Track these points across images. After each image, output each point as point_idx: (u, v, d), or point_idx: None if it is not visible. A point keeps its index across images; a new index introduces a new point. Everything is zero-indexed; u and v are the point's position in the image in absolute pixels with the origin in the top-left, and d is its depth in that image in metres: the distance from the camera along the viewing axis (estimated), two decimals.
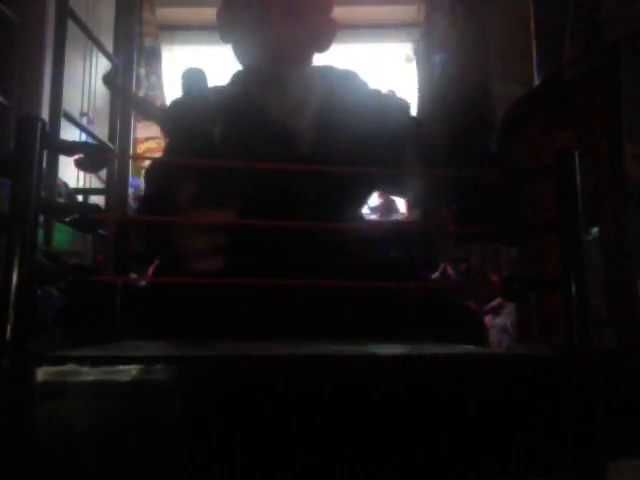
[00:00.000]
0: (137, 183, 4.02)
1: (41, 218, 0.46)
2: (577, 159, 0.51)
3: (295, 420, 0.47)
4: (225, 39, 1.16)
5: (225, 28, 1.15)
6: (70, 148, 0.46)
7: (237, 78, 1.18)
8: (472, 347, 0.71)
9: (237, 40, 1.12)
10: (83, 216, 0.44)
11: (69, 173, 2.92)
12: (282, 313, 0.79)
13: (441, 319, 0.88)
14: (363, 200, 1.13)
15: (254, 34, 1.07)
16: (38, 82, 2.78)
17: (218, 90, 1.15)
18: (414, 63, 5.33)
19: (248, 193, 0.89)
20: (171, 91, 4.82)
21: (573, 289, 0.49)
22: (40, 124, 0.44)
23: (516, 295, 0.52)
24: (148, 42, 4.67)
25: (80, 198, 2.99)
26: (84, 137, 3.20)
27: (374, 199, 4.04)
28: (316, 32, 1.14)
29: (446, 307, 0.94)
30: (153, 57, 4.73)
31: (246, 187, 0.87)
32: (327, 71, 1.19)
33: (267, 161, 0.57)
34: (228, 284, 0.56)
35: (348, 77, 1.18)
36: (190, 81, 1.11)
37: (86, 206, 0.45)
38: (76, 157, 0.46)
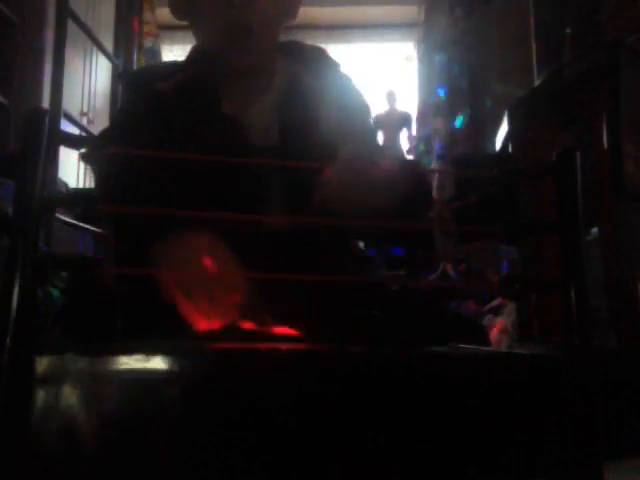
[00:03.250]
0: None
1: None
2: (578, 159, 0.51)
3: (297, 414, 0.47)
4: (180, 14, 1.03)
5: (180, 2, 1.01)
6: (75, 141, 0.46)
7: (195, 56, 1.04)
8: (471, 347, 0.71)
9: (196, 14, 0.99)
10: (87, 208, 0.44)
11: (69, 173, 2.92)
12: (277, 314, 0.78)
13: (447, 332, 0.86)
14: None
15: (217, 4, 0.94)
16: (38, 82, 2.78)
17: (167, 75, 1.03)
18: (414, 63, 5.34)
19: (210, 190, 0.86)
20: None
21: (572, 289, 0.49)
22: (48, 117, 0.43)
23: (515, 295, 0.52)
24: (148, 42, 4.67)
25: None
26: None
27: None
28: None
29: (453, 321, 0.92)
30: (153, 57, 4.73)
31: (208, 183, 0.85)
32: (294, 49, 1.07)
33: (225, 154, 0.56)
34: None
35: (318, 59, 1.06)
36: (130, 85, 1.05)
37: (90, 197, 0.45)
38: (81, 151, 0.46)
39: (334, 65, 1.07)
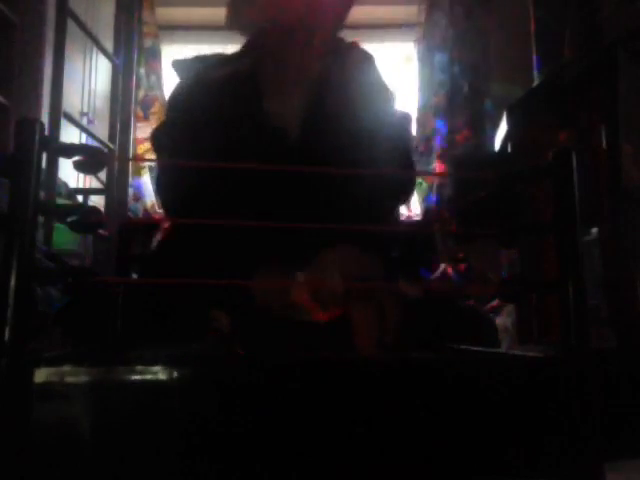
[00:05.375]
0: (138, 184, 4.02)
1: (41, 218, 0.46)
2: (574, 159, 0.51)
3: (297, 419, 0.47)
4: (238, 20, 1.04)
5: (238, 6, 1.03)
6: (69, 150, 0.46)
7: (245, 52, 1.07)
8: (470, 348, 0.71)
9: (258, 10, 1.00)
10: (81, 217, 0.44)
11: (69, 173, 2.92)
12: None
13: (455, 325, 0.86)
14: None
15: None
16: (38, 82, 2.78)
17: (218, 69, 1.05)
18: (414, 63, 5.33)
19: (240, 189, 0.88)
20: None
21: (570, 290, 0.49)
22: (38, 126, 0.44)
23: (513, 296, 0.52)
24: (148, 42, 4.67)
25: (80, 198, 2.99)
26: (84, 137, 3.20)
27: None
28: None
29: (460, 313, 0.92)
30: (153, 57, 4.73)
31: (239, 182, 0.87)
32: (341, 49, 1.08)
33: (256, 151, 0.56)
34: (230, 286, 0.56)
35: (362, 62, 1.08)
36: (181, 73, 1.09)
37: (84, 207, 0.46)
38: (75, 159, 0.46)
39: (376, 73, 1.09)
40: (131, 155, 3.59)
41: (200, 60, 1.08)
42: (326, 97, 1.00)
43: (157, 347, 0.63)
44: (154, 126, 1.14)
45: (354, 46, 1.10)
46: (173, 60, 1.11)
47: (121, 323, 0.69)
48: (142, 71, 4.66)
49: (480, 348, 0.72)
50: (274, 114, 0.98)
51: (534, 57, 2.41)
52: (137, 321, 0.72)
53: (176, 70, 1.10)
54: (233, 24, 1.03)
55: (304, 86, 1.02)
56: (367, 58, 1.10)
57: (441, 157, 4.65)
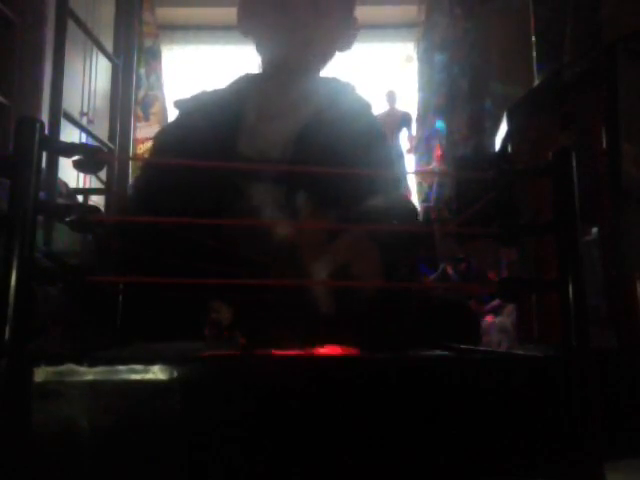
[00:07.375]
0: None
1: (40, 218, 0.46)
2: (574, 159, 0.51)
3: (297, 419, 0.47)
4: (245, 30, 1.09)
5: (245, 18, 1.07)
6: (69, 149, 0.46)
7: (241, 81, 1.15)
8: (469, 347, 0.71)
9: (259, 33, 1.06)
10: (81, 217, 0.44)
11: (69, 173, 2.92)
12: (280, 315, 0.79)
13: (436, 317, 0.87)
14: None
15: (278, 25, 1.01)
16: (38, 82, 2.79)
17: (213, 100, 1.09)
18: (414, 63, 5.34)
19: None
20: (170, 91, 4.86)
21: (570, 290, 0.49)
22: (38, 126, 0.44)
23: (513, 296, 0.52)
24: (148, 42, 4.68)
25: (80, 198, 2.99)
26: (84, 137, 3.20)
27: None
28: (340, 26, 1.10)
29: (441, 306, 0.93)
30: (153, 57, 4.74)
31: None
32: (330, 84, 1.12)
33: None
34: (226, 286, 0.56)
35: (350, 96, 1.11)
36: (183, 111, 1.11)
37: (85, 207, 0.46)
38: (75, 159, 0.46)
39: (363, 105, 1.11)
40: (131, 155, 3.58)
41: (199, 97, 1.11)
42: (313, 123, 1.02)
43: (157, 344, 0.63)
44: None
45: (351, 89, 1.13)
46: (174, 100, 1.13)
47: (121, 319, 0.69)
48: (142, 71, 4.67)
49: (460, 339, 0.72)
50: (258, 141, 1.01)
51: (534, 57, 2.41)
52: (136, 314, 0.72)
53: (177, 109, 1.12)
54: (242, 28, 1.06)
55: (292, 116, 1.04)
56: (364, 105, 1.12)
57: (441, 157, 4.66)
